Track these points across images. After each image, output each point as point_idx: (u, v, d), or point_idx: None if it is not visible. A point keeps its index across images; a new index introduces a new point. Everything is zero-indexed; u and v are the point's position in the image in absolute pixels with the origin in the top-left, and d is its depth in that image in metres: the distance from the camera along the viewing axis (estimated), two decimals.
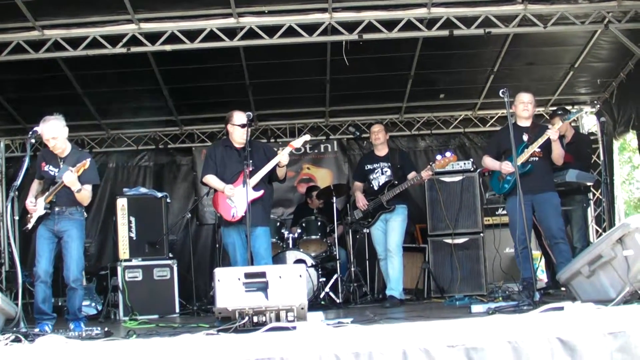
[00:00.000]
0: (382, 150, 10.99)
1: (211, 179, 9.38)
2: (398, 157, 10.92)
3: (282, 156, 9.18)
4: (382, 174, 10.85)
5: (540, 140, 9.21)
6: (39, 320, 8.45)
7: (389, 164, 10.82)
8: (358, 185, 11.22)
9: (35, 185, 8.94)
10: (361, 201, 10.95)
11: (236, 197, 9.11)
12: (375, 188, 10.87)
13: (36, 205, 8.64)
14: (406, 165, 10.83)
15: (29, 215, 8.79)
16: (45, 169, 8.74)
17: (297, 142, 9.52)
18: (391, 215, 10.68)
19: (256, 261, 9.08)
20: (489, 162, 9.85)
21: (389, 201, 10.66)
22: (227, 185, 9.17)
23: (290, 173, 13.78)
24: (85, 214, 9.08)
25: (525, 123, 9.58)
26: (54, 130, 8.62)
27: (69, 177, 8.40)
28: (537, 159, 9.37)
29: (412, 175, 10.62)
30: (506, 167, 9.37)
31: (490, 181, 10.18)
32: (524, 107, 9.51)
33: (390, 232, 10.67)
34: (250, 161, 9.01)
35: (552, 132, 9.13)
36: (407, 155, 11.36)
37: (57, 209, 8.66)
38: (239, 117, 9.30)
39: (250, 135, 9.39)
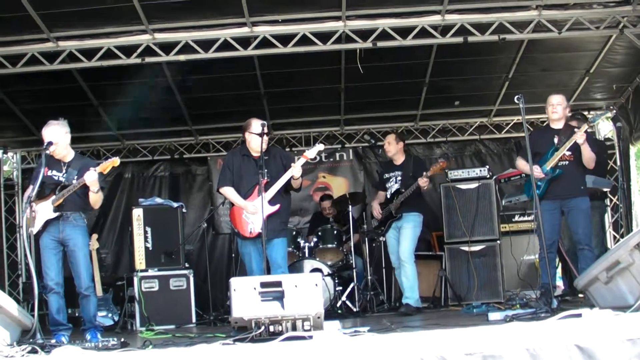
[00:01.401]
0: (398, 159, 11.00)
1: (230, 193, 9.32)
2: (412, 165, 10.88)
3: (296, 169, 9.12)
4: (396, 182, 10.86)
5: (568, 144, 9.10)
6: (55, 331, 8.43)
7: (402, 172, 10.81)
8: (379, 195, 11.26)
9: (29, 192, 8.82)
10: (375, 210, 11.01)
11: (250, 215, 9.12)
12: (389, 197, 10.91)
13: (36, 209, 8.59)
14: (418, 172, 10.69)
15: (31, 217, 8.66)
16: (49, 174, 8.63)
17: (311, 153, 9.44)
18: (401, 223, 10.67)
19: (273, 270, 9.07)
20: (522, 165, 9.72)
21: (397, 209, 10.67)
22: (248, 203, 9.11)
23: (306, 182, 13.77)
24: (86, 221, 9.01)
25: (557, 125, 9.48)
26: (53, 135, 8.57)
27: (92, 176, 8.34)
28: (567, 162, 9.26)
29: (420, 181, 10.56)
30: (536, 171, 9.18)
31: (525, 184, 10.08)
32: (553, 109, 9.43)
33: (401, 240, 10.66)
34: (267, 172, 9.00)
35: (579, 135, 8.97)
36: (421, 162, 11.25)
37: (62, 214, 8.60)
38: (257, 125, 9.24)
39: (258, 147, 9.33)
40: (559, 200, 9.13)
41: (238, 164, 9.37)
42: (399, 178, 10.82)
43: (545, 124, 9.58)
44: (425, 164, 11.04)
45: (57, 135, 8.59)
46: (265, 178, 8.86)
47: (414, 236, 10.66)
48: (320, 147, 9.71)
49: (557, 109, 9.43)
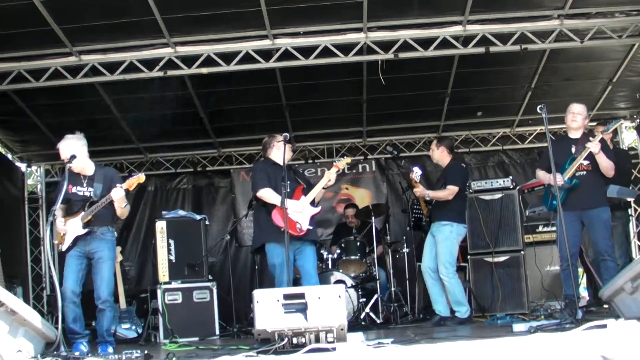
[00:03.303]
0: (444, 165, 10.84)
1: (270, 194, 9.33)
2: (446, 171, 10.71)
3: (332, 174, 9.37)
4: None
5: (584, 154, 9.02)
6: (72, 340, 8.41)
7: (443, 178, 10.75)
8: None
9: (58, 212, 8.76)
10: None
11: (298, 213, 9.23)
12: None
13: (66, 225, 8.63)
14: (447, 179, 10.57)
15: (62, 235, 8.75)
16: (73, 190, 8.65)
17: (341, 163, 9.66)
18: (434, 233, 10.51)
19: (305, 280, 9.30)
20: (541, 175, 9.59)
21: (430, 214, 10.73)
22: (293, 201, 9.24)
23: (329, 194, 13.79)
24: (115, 233, 9.05)
25: (575, 134, 9.40)
26: (69, 150, 8.57)
27: (120, 194, 8.37)
28: (584, 172, 9.17)
29: (448, 187, 10.43)
30: (559, 179, 8.99)
31: (542, 196, 9.99)
32: (573, 117, 9.33)
33: (437, 255, 10.46)
34: (297, 179, 9.42)
35: (593, 145, 8.91)
36: (454, 169, 10.77)
37: (88, 229, 8.60)
38: (280, 137, 9.37)
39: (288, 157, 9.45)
40: (578, 210, 9.06)
41: (272, 171, 9.42)
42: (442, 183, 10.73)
43: (564, 131, 9.50)
44: (456, 172, 10.74)
45: (75, 149, 8.61)
46: (287, 187, 8.94)
47: (447, 250, 10.39)
48: (348, 159, 10.02)
49: (577, 117, 9.33)
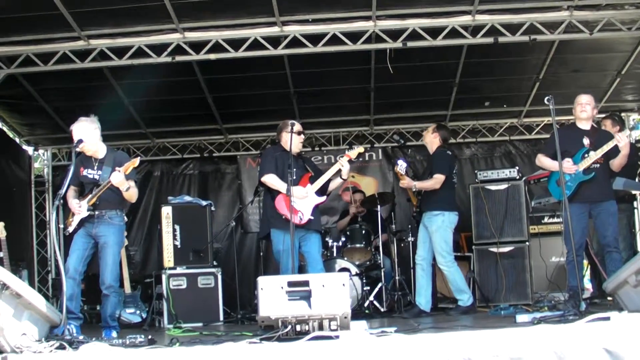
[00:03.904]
0: (430, 151, 10.83)
1: (274, 180, 9.43)
2: (432, 159, 10.69)
3: (343, 162, 9.47)
4: None
5: (606, 148, 8.94)
6: None
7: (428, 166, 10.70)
8: None
9: (71, 192, 8.86)
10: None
11: (301, 201, 9.26)
12: None
13: (81, 207, 8.65)
14: (433, 167, 10.54)
15: (70, 219, 8.77)
16: (84, 173, 8.69)
17: (353, 153, 9.68)
18: (426, 224, 10.50)
19: (312, 267, 9.42)
20: (547, 161, 9.45)
21: (420, 206, 10.68)
22: (298, 187, 9.26)
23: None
24: (125, 218, 9.07)
25: (584, 125, 9.36)
26: (81, 133, 8.59)
27: (118, 177, 8.38)
28: (598, 165, 9.13)
29: (434, 176, 10.41)
30: (568, 164, 9.04)
31: (548, 185, 9.91)
32: (582, 108, 9.28)
33: (433, 246, 10.50)
34: (306, 167, 9.53)
35: (622, 137, 8.79)
36: (440, 157, 10.71)
37: (97, 212, 8.62)
38: (296, 126, 9.45)
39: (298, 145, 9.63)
40: (588, 203, 9.05)
41: (281, 158, 9.47)
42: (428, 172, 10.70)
43: (571, 122, 9.44)
44: (442, 160, 10.62)
45: (86, 132, 8.62)
46: (294, 175, 8.96)
47: (442, 239, 10.41)
48: (360, 149, 9.94)
49: (586, 108, 9.28)
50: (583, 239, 9.22)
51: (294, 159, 9.31)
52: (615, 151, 8.98)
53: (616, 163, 9.10)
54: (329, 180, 9.63)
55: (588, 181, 9.05)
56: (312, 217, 9.40)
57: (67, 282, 8.28)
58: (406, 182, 10.40)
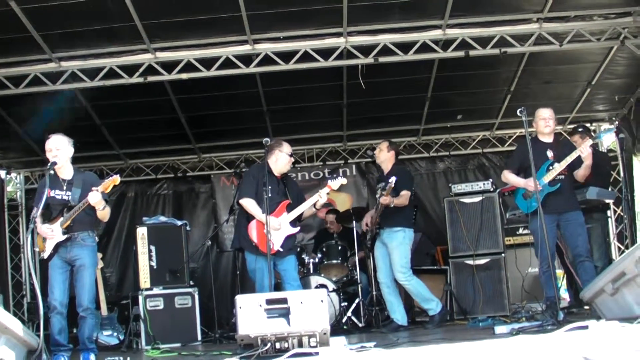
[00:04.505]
0: (386, 169, 10.76)
1: (251, 205, 9.41)
2: (396, 176, 10.28)
3: (322, 198, 9.50)
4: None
5: (569, 159, 9.01)
6: (55, 351, 8.32)
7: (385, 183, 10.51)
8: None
9: (34, 213, 8.71)
10: (364, 223, 10.89)
11: (273, 232, 9.22)
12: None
13: (53, 232, 8.57)
14: (400, 184, 10.28)
15: (43, 244, 8.62)
16: (52, 194, 8.48)
17: (335, 184, 9.69)
18: (386, 241, 10.46)
19: (290, 286, 9.38)
20: (512, 178, 9.55)
21: (379, 223, 10.50)
22: (272, 218, 9.19)
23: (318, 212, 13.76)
24: (97, 238, 8.99)
25: (547, 139, 9.41)
26: (58, 142, 8.51)
27: (96, 197, 8.27)
28: (563, 177, 9.20)
29: (402, 193, 10.30)
30: (531, 184, 9.04)
31: (515, 199, 9.96)
32: (546, 123, 9.34)
33: (392, 263, 10.43)
34: (287, 193, 9.59)
35: (585, 148, 8.88)
36: (403, 173, 10.72)
37: (70, 235, 8.50)
38: (288, 147, 9.63)
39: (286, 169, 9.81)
40: (555, 214, 9.09)
41: (262, 177, 9.31)
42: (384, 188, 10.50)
43: (533, 136, 9.45)
44: (407, 177, 10.72)
45: (62, 145, 8.54)
46: (288, 199, 9.02)
47: (402, 254, 10.37)
48: (343, 180, 9.87)
49: (549, 122, 9.35)
50: (553, 249, 9.25)
51: (276, 181, 9.42)
52: (579, 162, 9.07)
53: (580, 174, 9.19)
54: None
55: (554, 193, 9.10)
56: (281, 249, 9.35)
57: (55, 317, 8.33)
58: (388, 198, 10.29)
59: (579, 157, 8.99)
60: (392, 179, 9.97)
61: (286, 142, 9.72)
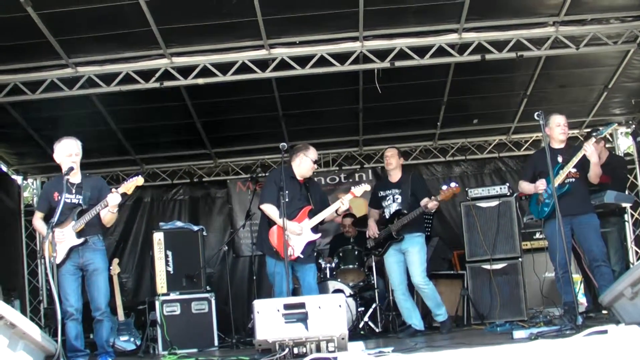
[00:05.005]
0: (395, 176, 10.69)
1: (272, 211, 9.37)
2: (411, 183, 10.51)
3: (344, 204, 9.49)
4: (394, 201, 10.56)
5: (575, 159, 8.99)
6: (72, 357, 8.33)
7: (401, 190, 10.52)
8: (372, 213, 10.96)
9: (41, 220, 8.72)
10: (371, 229, 10.75)
11: (294, 237, 9.23)
12: (387, 217, 10.62)
13: (64, 235, 8.51)
14: (419, 191, 10.45)
15: (51, 246, 8.54)
16: (60, 198, 8.31)
17: (358, 191, 9.75)
18: (405, 246, 10.41)
19: (306, 291, 9.39)
20: (525, 186, 9.61)
21: (398, 231, 10.39)
22: (294, 223, 9.26)
23: (338, 219, 13.68)
24: (105, 242, 8.95)
25: (559, 145, 9.39)
26: (79, 147, 8.62)
27: (117, 199, 8.32)
28: (573, 179, 9.16)
29: (424, 202, 10.26)
30: (540, 184, 9.18)
31: (529, 206, 9.97)
32: (562, 130, 9.33)
33: (411, 267, 10.39)
34: (311, 198, 9.54)
35: (588, 146, 8.88)
36: (421, 180, 10.99)
37: (83, 239, 8.51)
38: (314, 152, 9.58)
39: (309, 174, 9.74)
40: (568, 217, 9.00)
41: (286, 184, 9.25)
42: (398, 197, 10.54)
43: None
44: (425, 183, 10.87)
45: (80, 149, 8.64)
46: (310, 205, 9.19)
47: (423, 259, 10.38)
48: (367, 187, 9.96)
49: (565, 129, 9.38)
50: (569, 253, 9.20)
51: (298, 186, 9.47)
52: (588, 163, 9.05)
53: (591, 175, 9.17)
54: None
55: (565, 196, 9.03)
56: (301, 255, 9.32)
57: (71, 323, 8.37)
58: (437, 203, 10.35)
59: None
60: (453, 184, 10.17)
61: (313, 147, 9.66)
